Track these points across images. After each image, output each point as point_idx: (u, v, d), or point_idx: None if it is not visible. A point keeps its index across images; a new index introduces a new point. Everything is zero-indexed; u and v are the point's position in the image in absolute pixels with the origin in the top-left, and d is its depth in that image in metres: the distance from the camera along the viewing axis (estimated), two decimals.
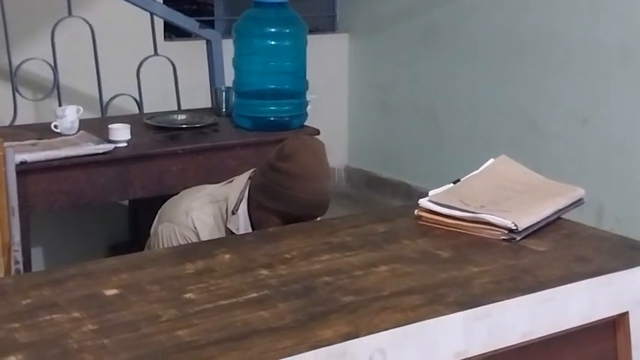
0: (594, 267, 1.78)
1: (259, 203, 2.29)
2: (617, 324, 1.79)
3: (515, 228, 1.93)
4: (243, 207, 2.31)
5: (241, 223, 2.29)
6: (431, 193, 2.11)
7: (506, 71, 4.48)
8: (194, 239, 2.26)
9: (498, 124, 4.55)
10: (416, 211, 2.08)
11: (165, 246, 2.27)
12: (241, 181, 2.36)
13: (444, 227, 2.02)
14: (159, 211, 2.43)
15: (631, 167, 3.93)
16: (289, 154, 2.27)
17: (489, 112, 4.60)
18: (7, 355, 1.36)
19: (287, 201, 2.23)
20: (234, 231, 2.29)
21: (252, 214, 2.32)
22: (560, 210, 2.08)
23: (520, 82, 4.41)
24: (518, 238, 1.94)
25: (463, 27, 4.69)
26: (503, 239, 1.94)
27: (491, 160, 2.26)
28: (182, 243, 2.26)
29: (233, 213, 2.30)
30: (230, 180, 2.42)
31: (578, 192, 2.19)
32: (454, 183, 2.17)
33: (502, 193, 2.15)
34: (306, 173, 2.26)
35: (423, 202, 2.07)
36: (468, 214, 2.00)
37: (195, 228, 2.28)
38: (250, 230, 2.31)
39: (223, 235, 2.30)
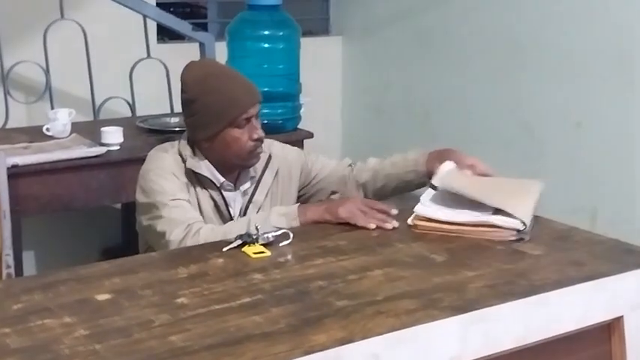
0: (588, 271, 1.79)
1: (206, 138, 2.25)
2: (611, 328, 1.80)
3: (524, 228, 1.97)
4: (198, 159, 2.27)
5: (203, 166, 2.25)
6: (423, 198, 2.11)
7: (500, 75, 4.48)
8: (173, 177, 2.23)
9: (492, 127, 4.55)
10: (410, 220, 2.08)
11: (152, 178, 2.22)
12: (181, 143, 2.32)
13: (445, 233, 2.03)
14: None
15: (625, 171, 3.94)
16: (191, 80, 2.27)
17: (483, 115, 4.60)
18: None
19: (221, 109, 2.22)
20: (196, 171, 2.25)
21: (212, 151, 2.26)
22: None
23: (514, 86, 4.42)
24: (527, 238, 1.97)
25: (457, 30, 4.69)
26: (511, 240, 1.98)
27: (445, 166, 2.25)
28: (162, 170, 2.23)
29: (191, 158, 2.26)
30: (169, 143, 2.38)
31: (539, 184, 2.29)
32: (433, 189, 2.15)
33: (489, 186, 2.16)
34: (214, 78, 2.27)
35: (422, 209, 2.07)
36: (476, 219, 2.02)
37: (161, 166, 2.24)
38: (215, 171, 2.27)
39: (184, 174, 2.25)
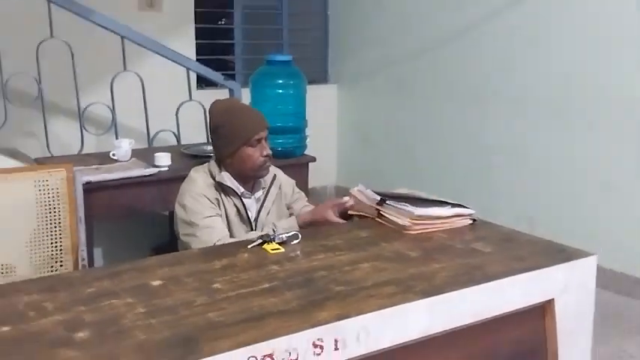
0: (528, 264, 1.79)
1: (227, 155, 2.26)
2: (545, 308, 1.79)
3: (474, 213, 2.10)
4: (224, 172, 2.28)
5: (227, 178, 2.26)
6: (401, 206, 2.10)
7: (460, 112, 4.49)
8: (204, 198, 2.23)
9: (455, 153, 4.56)
10: (406, 221, 2.05)
11: (193, 207, 2.21)
12: (211, 164, 2.33)
13: (432, 228, 2.06)
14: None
15: (555, 188, 3.95)
16: (216, 112, 2.30)
17: (447, 144, 4.61)
18: (77, 332, 1.37)
19: (238, 133, 2.24)
20: (224, 183, 2.26)
21: (230, 169, 2.28)
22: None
23: (471, 122, 4.42)
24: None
25: (426, 79, 4.71)
26: (470, 223, 2.11)
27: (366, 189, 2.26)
28: (199, 200, 2.22)
29: (220, 174, 2.27)
30: (200, 166, 2.37)
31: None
32: (385, 202, 2.14)
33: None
34: (233, 111, 2.30)
35: (417, 211, 2.06)
36: (453, 211, 2.10)
37: (201, 192, 2.24)
38: (236, 182, 2.28)
39: (214, 190, 2.26)
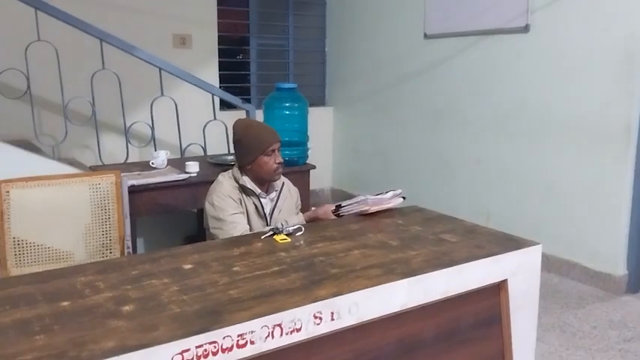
0: (486, 251, 1.79)
1: (247, 163, 2.26)
2: (500, 287, 1.79)
3: (402, 192, 2.24)
4: (245, 177, 2.27)
5: (247, 182, 2.26)
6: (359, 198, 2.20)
7: (428, 130, 4.50)
8: (229, 199, 2.22)
9: (424, 162, 4.57)
10: (366, 208, 2.15)
11: (220, 205, 2.21)
12: (234, 170, 2.32)
13: (381, 208, 2.19)
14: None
15: (507, 189, 3.95)
16: (238, 128, 2.29)
17: (418, 155, 4.62)
18: (123, 306, 1.37)
19: (256, 145, 2.23)
20: (245, 185, 2.26)
21: (250, 174, 2.27)
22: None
23: (437, 137, 4.44)
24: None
25: (403, 102, 4.72)
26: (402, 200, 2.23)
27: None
28: (225, 199, 2.22)
29: (242, 178, 2.26)
30: (225, 172, 2.36)
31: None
32: (341, 206, 2.23)
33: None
34: (252, 127, 2.29)
35: (370, 199, 2.17)
36: (390, 193, 2.21)
37: (227, 194, 2.24)
38: (255, 183, 2.27)
39: (237, 191, 2.25)
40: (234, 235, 2.12)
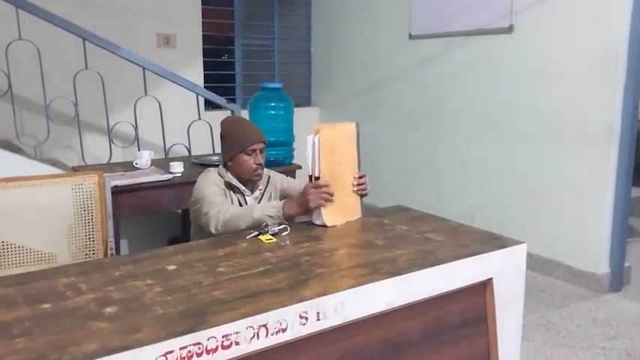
0: (471, 250, 1.80)
1: (229, 160, 2.25)
2: (485, 285, 1.80)
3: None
4: (229, 174, 2.26)
5: (232, 179, 2.25)
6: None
7: (414, 129, 4.52)
8: (211, 180, 2.22)
9: (410, 161, 4.58)
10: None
11: (209, 190, 2.17)
12: (220, 167, 2.31)
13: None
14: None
15: (492, 190, 3.97)
16: (224, 125, 2.29)
17: (404, 154, 4.63)
18: (106, 307, 1.35)
19: (237, 143, 2.22)
20: (231, 182, 2.24)
21: (232, 171, 2.26)
22: None
23: (423, 136, 4.45)
24: None
25: (388, 103, 4.73)
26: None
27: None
28: (212, 187, 2.20)
29: (226, 175, 2.26)
30: (213, 169, 2.35)
31: None
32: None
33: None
34: (237, 125, 2.28)
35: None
36: None
37: (207, 177, 2.24)
38: (237, 180, 2.26)
39: (223, 185, 2.24)
40: (216, 209, 2.07)
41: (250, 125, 2.33)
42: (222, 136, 2.30)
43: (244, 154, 2.23)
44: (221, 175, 2.29)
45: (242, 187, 2.28)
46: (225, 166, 2.30)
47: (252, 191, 2.33)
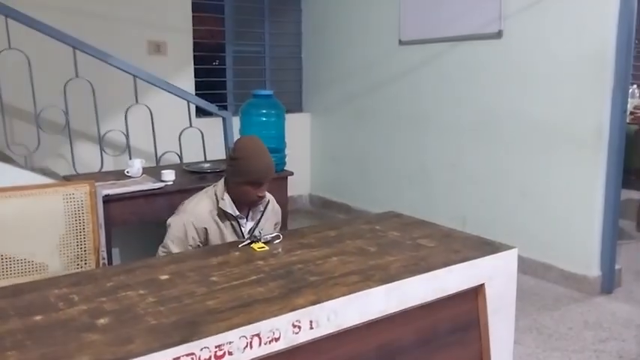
0: (463, 255, 1.80)
1: (232, 182, 2.22)
2: (477, 291, 1.80)
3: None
4: (226, 195, 2.23)
5: (227, 204, 2.22)
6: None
7: (405, 135, 4.53)
8: (191, 227, 2.20)
9: (401, 167, 4.59)
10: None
11: (173, 231, 2.20)
12: (221, 183, 2.30)
13: None
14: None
15: (482, 194, 3.99)
16: (239, 147, 2.23)
17: (395, 160, 4.64)
18: (99, 319, 1.34)
19: (246, 172, 2.17)
20: (225, 209, 2.22)
21: (231, 192, 2.23)
22: None
23: (414, 142, 4.46)
24: None
25: (378, 109, 4.74)
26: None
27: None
28: (182, 230, 2.19)
29: (222, 199, 2.23)
30: (215, 184, 2.34)
31: None
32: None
33: None
34: (252, 153, 2.20)
35: None
36: None
37: (192, 220, 2.21)
38: (234, 206, 2.23)
39: (215, 215, 2.22)
40: (162, 249, 2.19)
41: (263, 157, 2.23)
42: (234, 157, 2.22)
43: (249, 185, 2.19)
44: (217, 197, 2.25)
45: (236, 212, 2.25)
46: (226, 181, 2.27)
47: (248, 215, 2.30)
